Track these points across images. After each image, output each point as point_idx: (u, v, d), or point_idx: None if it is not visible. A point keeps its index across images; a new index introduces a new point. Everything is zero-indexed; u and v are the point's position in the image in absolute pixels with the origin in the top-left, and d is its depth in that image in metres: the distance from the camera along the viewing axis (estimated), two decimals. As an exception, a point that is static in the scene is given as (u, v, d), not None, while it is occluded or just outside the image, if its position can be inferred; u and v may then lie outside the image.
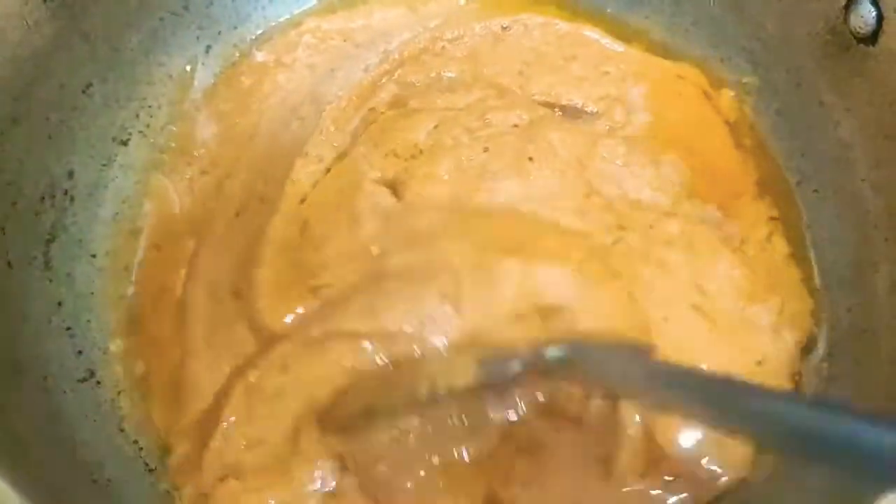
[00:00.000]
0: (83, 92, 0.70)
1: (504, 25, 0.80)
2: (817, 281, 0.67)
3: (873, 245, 0.64)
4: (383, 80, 0.76)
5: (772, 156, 0.73)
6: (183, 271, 0.70)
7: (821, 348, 0.64)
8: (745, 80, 0.76)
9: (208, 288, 0.68)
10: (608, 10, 0.82)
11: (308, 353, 0.62)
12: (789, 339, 0.64)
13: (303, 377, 0.61)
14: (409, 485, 0.58)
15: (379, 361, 0.60)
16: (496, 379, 0.56)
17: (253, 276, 0.66)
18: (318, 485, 0.59)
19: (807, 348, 0.64)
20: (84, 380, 0.64)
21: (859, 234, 0.65)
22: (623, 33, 0.80)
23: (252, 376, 0.62)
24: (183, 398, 0.64)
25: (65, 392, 0.62)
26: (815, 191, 0.70)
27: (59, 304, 0.66)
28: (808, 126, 0.71)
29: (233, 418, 0.61)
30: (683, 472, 0.58)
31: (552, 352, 0.54)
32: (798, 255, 0.69)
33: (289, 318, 0.64)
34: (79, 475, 0.57)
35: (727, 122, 0.75)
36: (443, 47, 0.78)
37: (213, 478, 0.60)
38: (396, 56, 0.78)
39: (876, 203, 0.64)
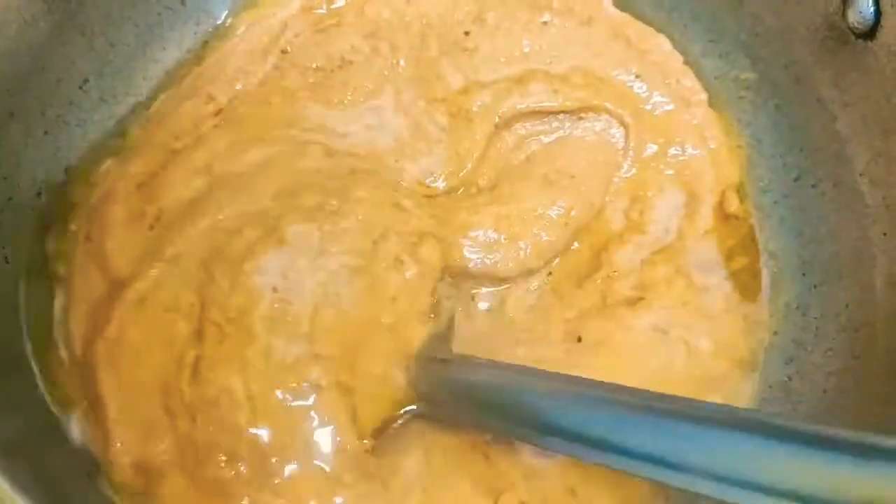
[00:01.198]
0: (80, 87, 0.70)
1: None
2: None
3: (871, 239, 0.64)
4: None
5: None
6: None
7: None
8: (743, 75, 0.76)
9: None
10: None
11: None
12: None
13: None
14: None
15: None
16: None
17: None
18: None
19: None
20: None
21: (857, 229, 0.65)
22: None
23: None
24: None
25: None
26: (814, 185, 0.70)
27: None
28: (806, 121, 0.71)
29: None
30: None
31: None
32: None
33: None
34: (75, 472, 0.57)
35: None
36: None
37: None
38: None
39: (874, 197, 0.64)
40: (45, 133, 0.67)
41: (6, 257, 0.62)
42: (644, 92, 0.76)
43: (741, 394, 0.65)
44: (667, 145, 0.75)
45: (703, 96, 0.77)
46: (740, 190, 0.74)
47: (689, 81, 0.77)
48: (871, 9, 0.62)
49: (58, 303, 0.65)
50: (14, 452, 0.48)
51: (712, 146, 0.75)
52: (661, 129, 0.75)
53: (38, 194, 0.67)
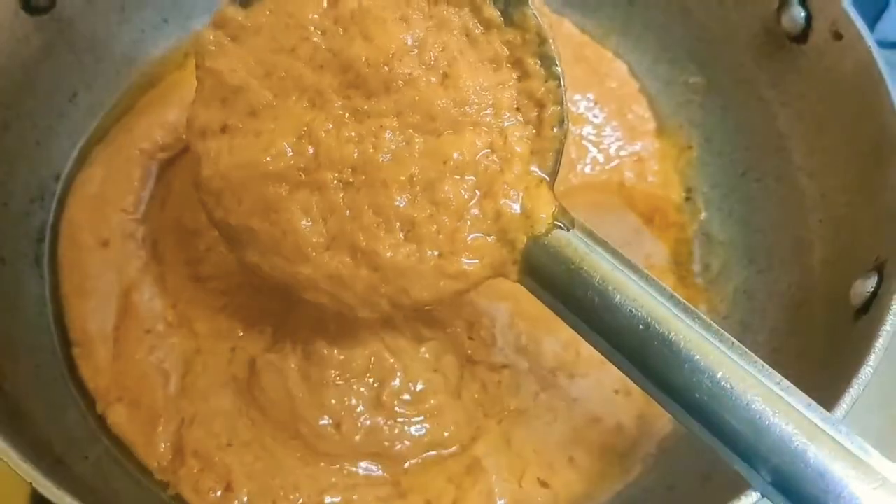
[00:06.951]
0: (69, 100, 0.74)
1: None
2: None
3: (808, 226, 0.68)
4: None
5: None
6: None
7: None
8: (692, 79, 0.81)
9: None
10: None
11: None
12: None
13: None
14: None
15: None
16: None
17: None
18: None
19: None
20: (73, 368, 0.67)
21: (797, 217, 0.70)
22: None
23: None
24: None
25: (56, 378, 0.65)
26: (758, 180, 0.75)
27: (48, 298, 0.69)
28: (750, 120, 0.76)
29: None
30: None
31: None
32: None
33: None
34: (73, 453, 0.60)
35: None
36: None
37: None
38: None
39: (810, 187, 0.69)
40: (37, 143, 0.71)
41: (3, 258, 0.66)
42: (600, 121, 0.81)
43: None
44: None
45: (651, 126, 0.81)
46: (692, 190, 0.79)
47: (642, 110, 0.82)
48: (803, 14, 0.66)
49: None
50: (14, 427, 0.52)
51: (651, 180, 0.80)
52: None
53: (32, 200, 0.70)
